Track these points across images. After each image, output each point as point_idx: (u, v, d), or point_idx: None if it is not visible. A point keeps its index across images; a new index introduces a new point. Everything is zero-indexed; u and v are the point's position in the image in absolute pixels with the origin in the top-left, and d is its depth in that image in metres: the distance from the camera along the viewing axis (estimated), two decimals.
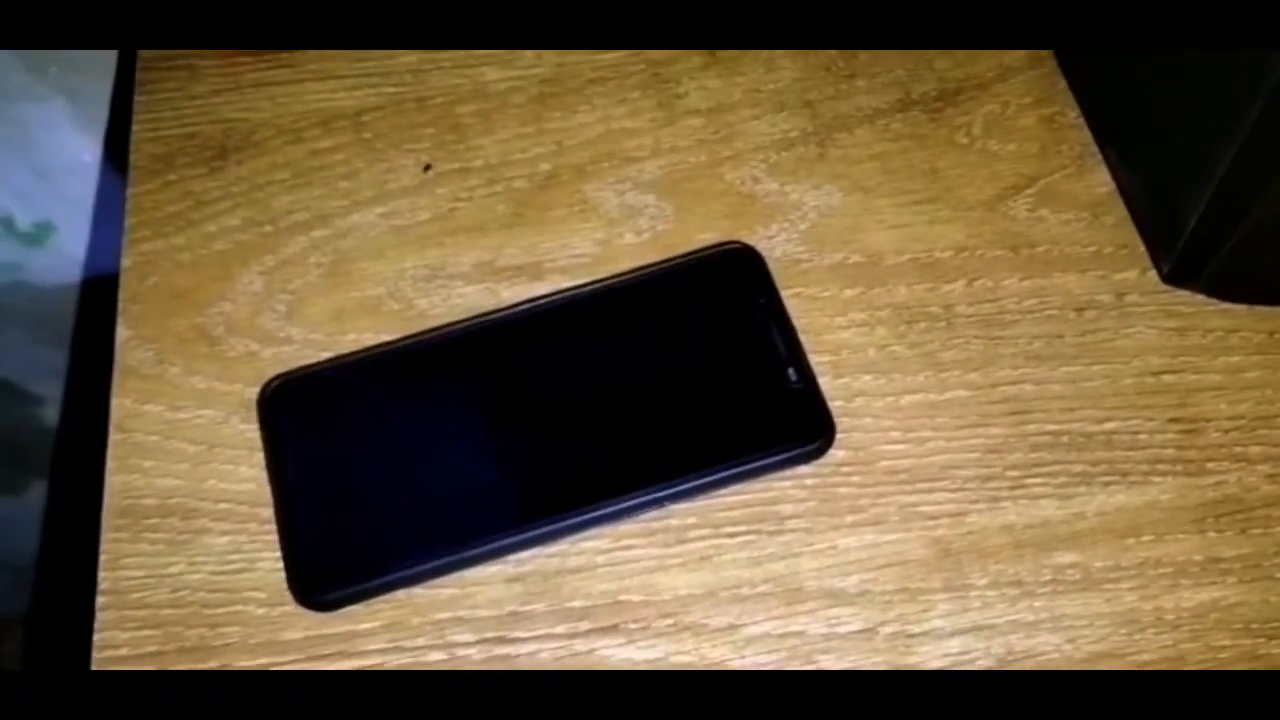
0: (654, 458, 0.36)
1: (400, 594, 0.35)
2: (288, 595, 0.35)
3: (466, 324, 0.39)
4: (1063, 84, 0.43)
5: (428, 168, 0.43)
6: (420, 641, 0.35)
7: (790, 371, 0.37)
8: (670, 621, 0.35)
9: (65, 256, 0.58)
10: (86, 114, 0.53)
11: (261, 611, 0.35)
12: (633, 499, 0.36)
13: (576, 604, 0.35)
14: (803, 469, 0.37)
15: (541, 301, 0.39)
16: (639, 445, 0.36)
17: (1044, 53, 0.44)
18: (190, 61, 0.46)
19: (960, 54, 0.44)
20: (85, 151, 0.54)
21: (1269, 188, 0.34)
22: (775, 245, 0.41)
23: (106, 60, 0.51)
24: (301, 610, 0.35)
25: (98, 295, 0.59)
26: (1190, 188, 0.36)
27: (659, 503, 0.36)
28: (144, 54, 0.46)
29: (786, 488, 0.37)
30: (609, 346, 0.38)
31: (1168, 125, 0.37)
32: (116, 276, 0.42)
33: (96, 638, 0.35)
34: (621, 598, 0.36)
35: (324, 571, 0.35)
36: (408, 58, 0.45)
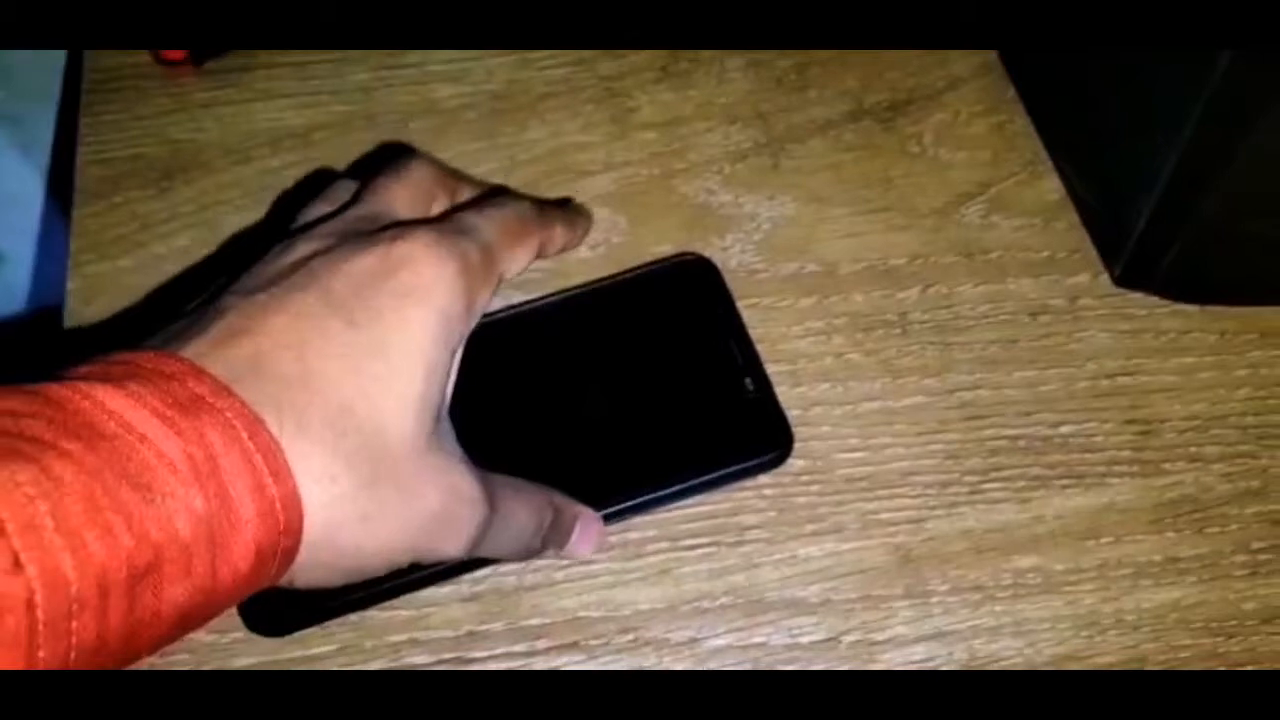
0: (611, 472, 0.36)
1: (354, 616, 0.34)
2: (238, 621, 0.34)
3: None
4: (1012, 92, 0.43)
5: None
6: (376, 664, 0.34)
7: (747, 381, 0.37)
8: (630, 637, 0.35)
9: (11, 286, 0.57)
10: (31, 141, 0.52)
11: (211, 638, 0.34)
12: None
13: (534, 622, 0.35)
14: (762, 479, 0.37)
15: (494, 315, 0.39)
16: (595, 460, 0.36)
17: (993, 61, 0.44)
18: (136, 83, 0.45)
19: (911, 64, 0.44)
20: (30, 179, 0.53)
21: (1213, 188, 0.34)
22: (730, 256, 0.41)
23: (50, 86, 0.51)
24: (253, 636, 0.34)
25: (45, 325, 0.58)
26: (1137, 191, 0.36)
27: (618, 517, 0.35)
28: (90, 76, 0.45)
29: (746, 498, 0.37)
30: (563, 361, 0.38)
31: (1114, 130, 0.38)
32: (62, 305, 0.41)
33: None
34: (580, 614, 0.35)
35: (274, 595, 0.34)
36: (358, 75, 0.45)
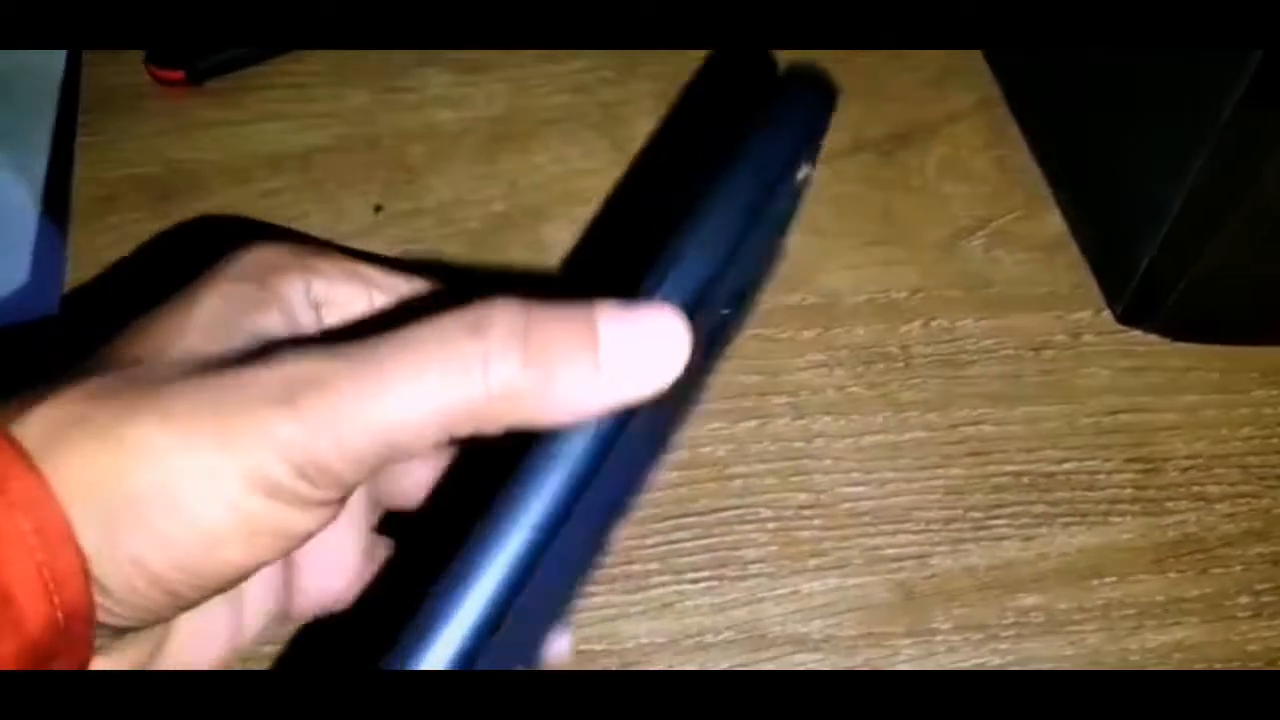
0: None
1: None
2: None
3: None
4: (1013, 126, 0.44)
5: (379, 209, 0.42)
6: None
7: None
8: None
9: (4, 305, 0.56)
10: (24, 159, 0.51)
11: None
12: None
13: None
14: (765, 511, 0.36)
15: None
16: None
17: (994, 95, 0.44)
18: (134, 103, 0.45)
19: (909, 97, 0.45)
20: (23, 196, 0.53)
21: (1221, 228, 0.34)
22: None
23: (46, 102, 0.50)
24: None
25: (34, 343, 0.57)
26: (1142, 230, 0.36)
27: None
28: (87, 95, 0.45)
29: (748, 531, 0.36)
30: None
31: (1119, 168, 0.38)
32: (54, 324, 0.40)
33: None
34: (583, 648, 0.35)
35: None
36: (358, 98, 0.45)
